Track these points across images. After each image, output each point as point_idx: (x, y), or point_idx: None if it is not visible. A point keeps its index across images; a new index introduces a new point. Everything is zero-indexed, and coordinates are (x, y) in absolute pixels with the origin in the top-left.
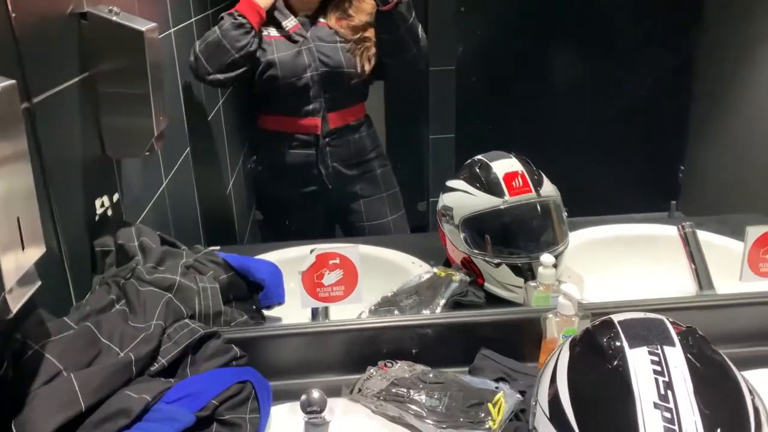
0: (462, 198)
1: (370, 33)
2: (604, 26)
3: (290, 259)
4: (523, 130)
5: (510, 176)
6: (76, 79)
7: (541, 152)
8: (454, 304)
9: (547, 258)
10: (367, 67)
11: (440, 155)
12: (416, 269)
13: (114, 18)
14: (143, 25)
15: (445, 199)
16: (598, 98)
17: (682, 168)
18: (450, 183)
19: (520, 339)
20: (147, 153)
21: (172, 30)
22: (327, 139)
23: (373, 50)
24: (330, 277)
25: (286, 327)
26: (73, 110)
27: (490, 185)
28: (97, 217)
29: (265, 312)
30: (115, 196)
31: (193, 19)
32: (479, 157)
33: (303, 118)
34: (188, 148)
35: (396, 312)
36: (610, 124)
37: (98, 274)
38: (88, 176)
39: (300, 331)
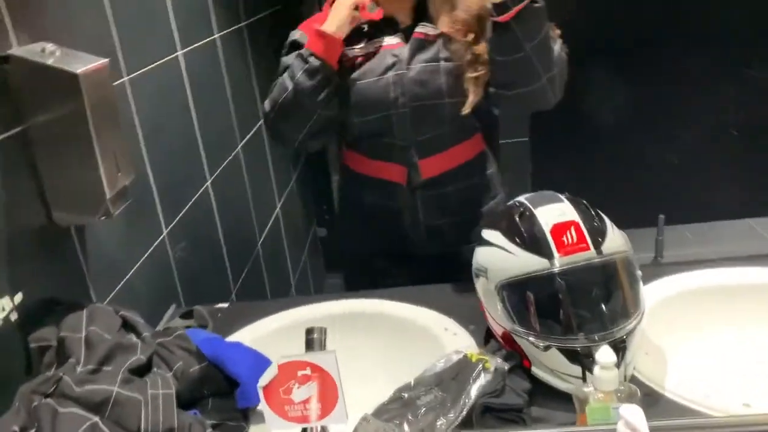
0: (499, 256)
1: (483, 47)
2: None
3: (315, 320)
4: (613, 131)
5: (560, 229)
6: (1, 137)
7: (639, 151)
8: (485, 409)
9: (605, 356)
10: (474, 96)
11: (514, 162)
12: (448, 339)
13: (47, 60)
14: (83, 65)
15: (479, 256)
16: (712, 92)
17: None
18: (485, 233)
19: None
20: (102, 218)
21: (179, 52)
22: (418, 192)
23: (485, 72)
24: (300, 393)
25: None
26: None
27: (533, 241)
28: (14, 319)
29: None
30: (18, 297)
31: (216, 35)
32: (521, 199)
33: (386, 162)
34: (207, 182)
35: (409, 417)
36: (725, 122)
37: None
38: (21, 254)
39: None
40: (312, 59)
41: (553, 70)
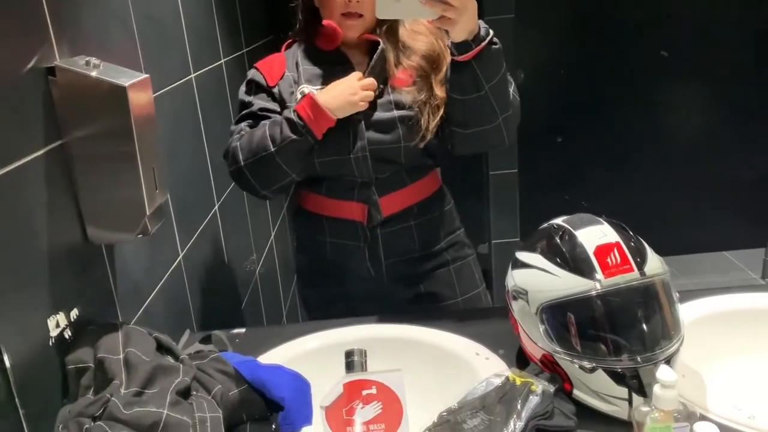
0: (540, 278)
1: (436, 85)
2: (697, 28)
3: (339, 344)
4: (595, 160)
5: (603, 250)
6: (43, 151)
7: (616, 184)
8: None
9: (666, 374)
10: (431, 125)
11: (502, 192)
12: (481, 363)
13: (92, 72)
14: (128, 79)
15: (517, 278)
16: (684, 119)
17: None
18: (522, 256)
19: None
20: (140, 235)
21: (192, 75)
22: (379, 230)
23: (439, 109)
24: (364, 413)
25: None
26: (39, 190)
27: (576, 263)
28: (51, 341)
29: None
30: (74, 313)
31: (222, 60)
32: (559, 222)
33: (345, 201)
34: (215, 207)
35: None
36: (697, 149)
37: (71, 401)
38: (60, 272)
39: None
40: (304, 132)
41: (508, 110)
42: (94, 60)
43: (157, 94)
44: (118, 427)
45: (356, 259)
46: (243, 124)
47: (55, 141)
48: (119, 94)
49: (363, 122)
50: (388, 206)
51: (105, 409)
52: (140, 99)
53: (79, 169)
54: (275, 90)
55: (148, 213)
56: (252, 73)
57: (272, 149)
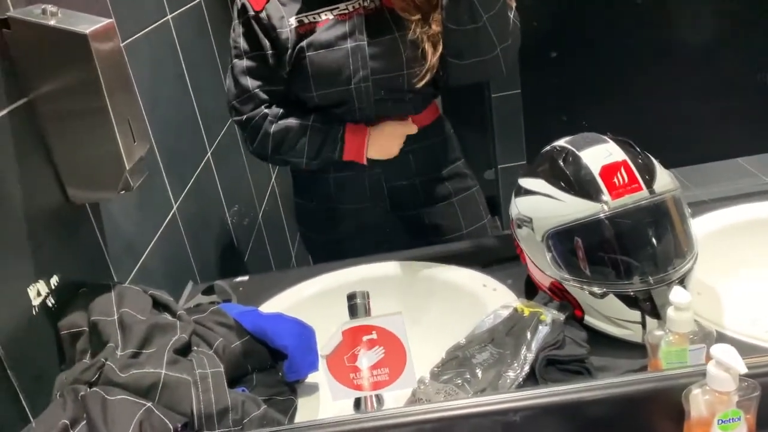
0: (544, 204)
1: (435, 21)
2: None
3: (343, 285)
4: (602, 73)
5: (609, 170)
6: (5, 111)
7: (625, 95)
8: (548, 362)
9: (679, 296)
10: (434, 59)
11: (506, 115)
12: (489, 296)
13: (50, 22)
14: (89, 26)
15: (521, 205)
16: (692, 22)
17: None
18: (524, 182)
19: (650, 418)
20: (122, 192)
21: (169, 16)
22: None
23: (437, 34)
24: (367, 358)
25: (316, 425)
26: (7, 153)
27: (582, 185)
28: (35, 311)
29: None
30: (54, 280)
31: None
32: (562, 143)
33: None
34: (208, 153)
35: (467, 376)
36: (705, 56)
37: (68, 368)
38: (39, 238)
39: (334, 430)
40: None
41: (507, 40)
42: (51, 8)
43: (130, 39)
44: (116, 390)
45: (358, 191)
46: (264, 108)
47: (19, 99)
48: (81, 42)
49: (366, 49)
50: None
51: (101, 373)
52: (106, 46)
53: (49, 127)
54: (263, 15)
55: (127, 167)
56: (239, 4)
57: (305, 160)
